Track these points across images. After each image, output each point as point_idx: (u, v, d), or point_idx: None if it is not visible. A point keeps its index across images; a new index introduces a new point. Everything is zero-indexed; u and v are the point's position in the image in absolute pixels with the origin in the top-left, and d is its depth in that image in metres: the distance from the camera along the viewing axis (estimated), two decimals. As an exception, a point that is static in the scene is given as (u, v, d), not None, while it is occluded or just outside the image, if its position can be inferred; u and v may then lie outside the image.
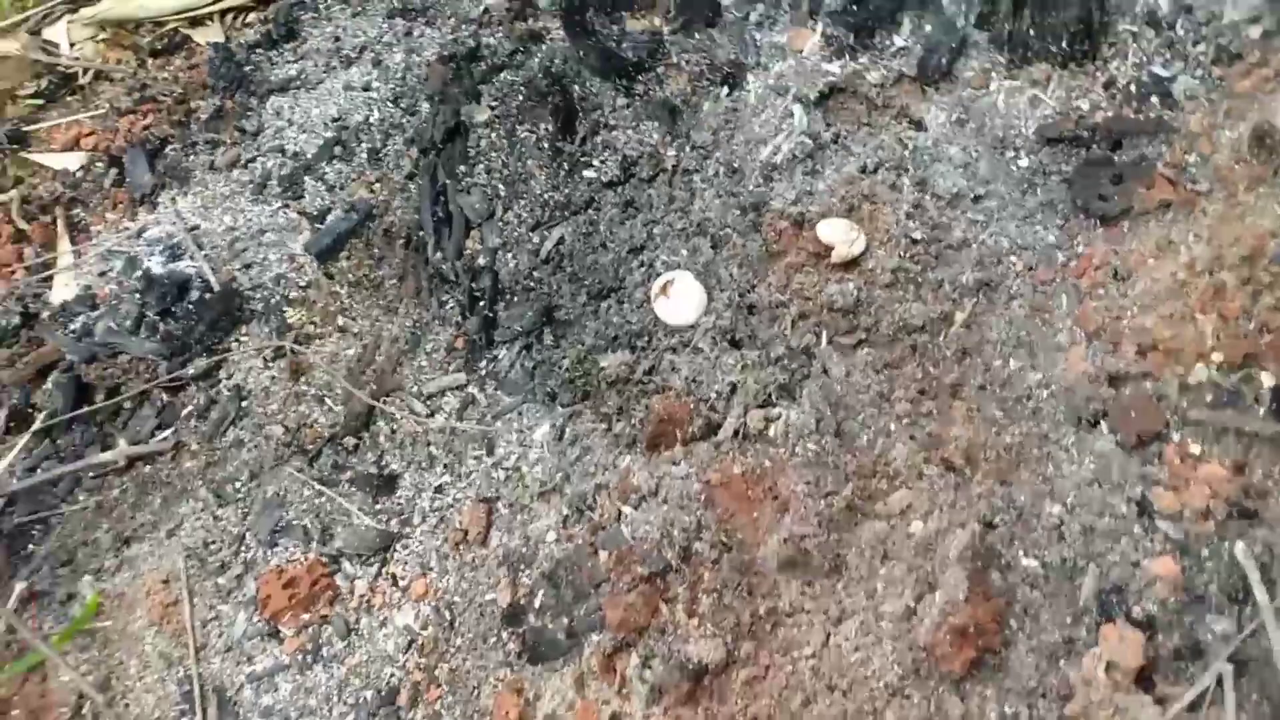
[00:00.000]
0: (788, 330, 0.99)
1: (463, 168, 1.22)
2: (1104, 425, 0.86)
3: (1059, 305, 0.98)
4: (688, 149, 1.15)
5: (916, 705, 0.75)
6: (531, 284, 1.11)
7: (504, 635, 0.85)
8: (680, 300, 1.01)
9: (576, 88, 1.23)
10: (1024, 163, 1.08)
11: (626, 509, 0.90)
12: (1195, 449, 0.82)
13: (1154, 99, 1.02)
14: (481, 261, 1.15)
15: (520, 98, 1.26)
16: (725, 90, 1.18)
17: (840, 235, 1.00)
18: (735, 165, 1.12)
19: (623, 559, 0.87)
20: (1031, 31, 1.10)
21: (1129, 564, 0.77)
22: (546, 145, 1.20)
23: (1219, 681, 0.71)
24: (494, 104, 1.27)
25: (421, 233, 1.19)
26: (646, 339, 1.02)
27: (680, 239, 1.09)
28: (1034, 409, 0.89)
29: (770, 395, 0.95)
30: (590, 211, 1.15)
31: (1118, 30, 1.09)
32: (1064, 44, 1.09)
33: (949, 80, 1.15)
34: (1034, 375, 0.92)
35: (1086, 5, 1.07)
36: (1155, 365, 0.87)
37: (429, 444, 1.02)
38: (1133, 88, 1.04)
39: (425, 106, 1.29)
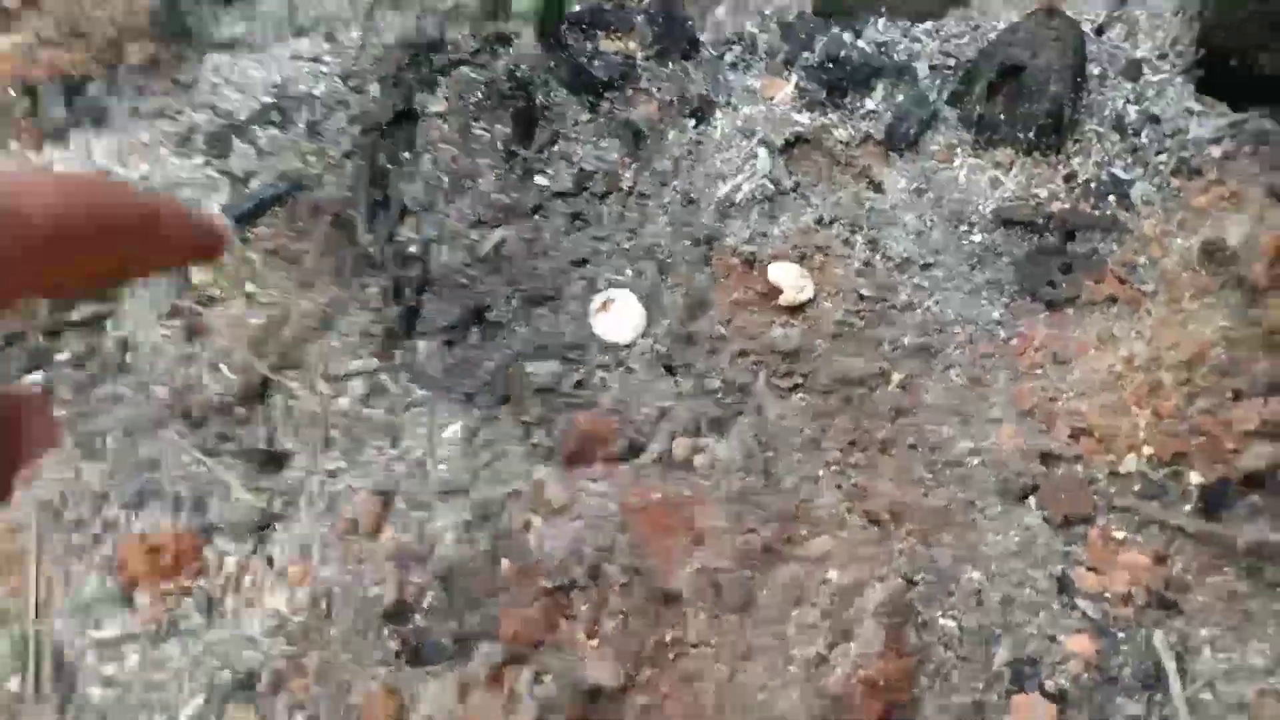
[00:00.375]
0: (725, 365, 1.04)
1: (407, 154, 1.24)
2: (1032, 501, 0.93)
3: (995, 380, 1.05)
4: (646, 173, 1.21)
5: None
6: (464, 281, 1.14)
7: (385, 633, 0.85)
8: (620, 318, 1.05)
9: (540, 96, 1.28)
10: (977, 239, 1.16)
11: (536, 520, 0.91)
12: (1119, 534, 0.89)
13: (1111, 198, 1.13)
14: (413, 250, 1.17)
15: (479, 95, 1.30)
16: (692, 123, 1.25)
17: (791, 280, 1.06)
18: (692, 196, 1.17)
19: (526, 571, 0.88)
20: (1002, 116, 1.21)
21: (1045, 637, 0.83)
22: (500, 147, 1.24)
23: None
24: (450, 97, 1.30)
25: (352, 212, 1.20)
26: (579, 352, 1.05)
27: (626, 259, 1.13)
28: (963, 476, 0.95)
29: (700, 426, 0.99)
30: (537, 218, 1.18)
31: (1085, 129, 1.21)
32: (1031, 133, 1.19)
33: (914, 150, 1.24)
34: (965, 443, 0.98)
35: (1059, 101, 1.19)
36: (1087, 450, 0.95)
37: (329, 426, 1.02)
38: (1092, 184, 1.14)
39: (375, 88, 1.32)
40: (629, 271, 1.12)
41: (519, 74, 1.30)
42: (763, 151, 1.22)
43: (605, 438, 0.98)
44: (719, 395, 1.00)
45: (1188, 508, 0.89)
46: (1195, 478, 0.91)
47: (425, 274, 1.14)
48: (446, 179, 1.23)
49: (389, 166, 1.24)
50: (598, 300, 1.06)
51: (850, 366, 1.04)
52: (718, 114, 1.28)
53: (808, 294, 1.06)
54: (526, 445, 0.99)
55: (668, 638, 0.86)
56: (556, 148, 1.24)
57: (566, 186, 1.20)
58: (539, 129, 1.26)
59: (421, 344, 1.09)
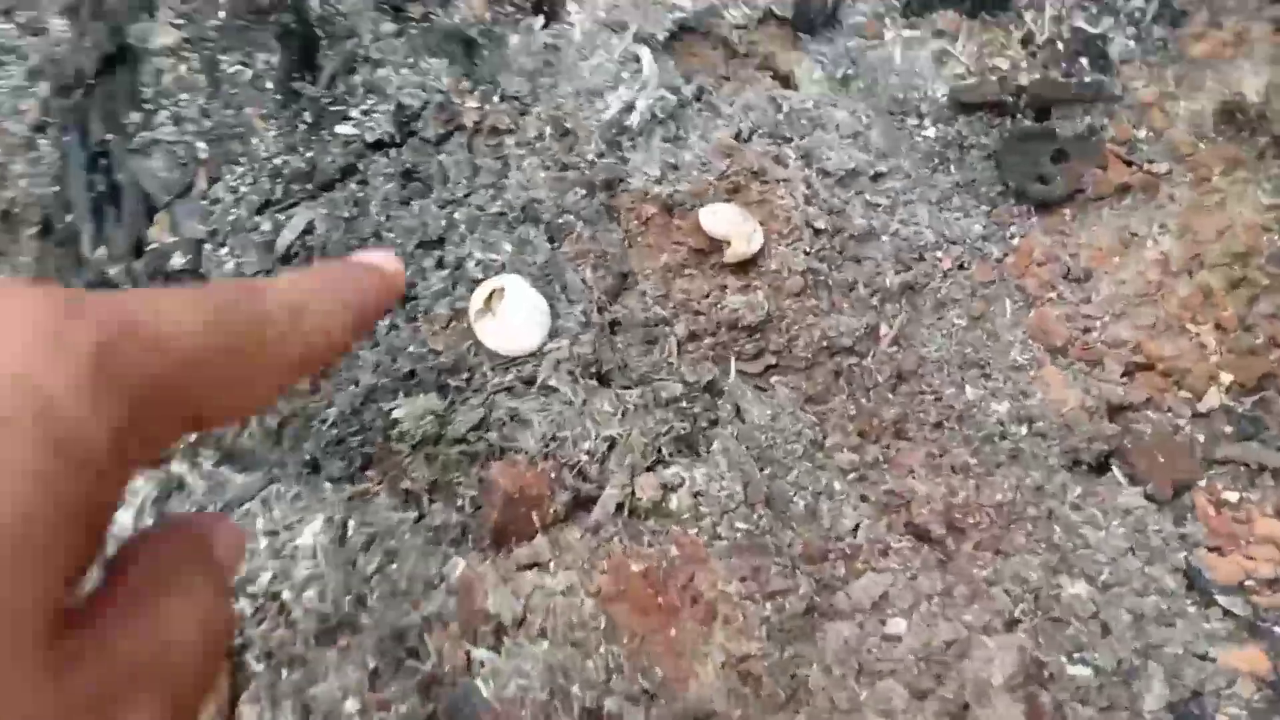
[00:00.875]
0: (676, 359, 0.83)
1: (135, 116, 0.95)
2: (1116, 471, 0.79)
3: (1002, 313, 0.92)
4: (495, 99, 0.97)
5: None
6: None
7: None
8: (513, 317, 0.82)
9: (314, 2, 1.00)
10: (931, 132, 1.03)
11: (479, 653, 0.69)
12: (1231, 495, 0.77)
13: (1084, 60, 1.00)
14: (177, 262, 0.88)
15: (223, 14, 1.00)
16: (539, 21, 1.02)
17: (733, 226, 0.87)
18: (566, 126, 0.95)
19: None
20: (930, -30, 1.05)
21: (1194, 657, 0.70)
22: (272, 86, 0.97)
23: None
24: (179, 22, 0.99)
25: (69, 216, 0.90)
26: (465, 376, 0.82)
27: (499, 228, 0.90)
28: (1013, 451, 0.82)
29: (663, 452, 0.79)
30: (351, 185, 0.93)
31: (1028, -25, 1.07)
32: (969, -11, 1.04)
33: (831, 26, 1.07)
34: (1000, 406, 0.85)
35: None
36: (1154, 390, 0.83)
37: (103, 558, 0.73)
38: (1059, 45, 1.01)
39: (60, 23, 0.99)
40: (506, 246, 0.88)
41: (272, -24, 1.01)
42: (645, 52, 1.00)
43: (538, 496, 0.76)
44: (680, 404, 0.80)
45: (1298, 443, 0.80)
46: (1289, 404, 0.81)
47: (202, 293, 0.86)
48: (204, 147, 0.94)
49: (109, 138, 0.93)
50: (478, 296, 0.82)
51: (831, 329, 0.87)
52: (570, 4, 1.04)
53: (757, 241, 0.87)
54: (423, 531, 0.75)
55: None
56: (357, 78, 0.97)
57: (385, 132, 0.94)
58: (323, 53, 0.99)
59: None
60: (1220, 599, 0.74)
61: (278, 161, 0.93)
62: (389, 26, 1.00)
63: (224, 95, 0.96)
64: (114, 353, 0.34)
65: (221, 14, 1.01)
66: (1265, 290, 0.86)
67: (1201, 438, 0.82)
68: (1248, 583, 0.75)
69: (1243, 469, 0.80)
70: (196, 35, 0.99)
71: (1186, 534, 0.77)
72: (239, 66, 0.98)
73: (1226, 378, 0.83)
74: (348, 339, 0.43)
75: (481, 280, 0.85)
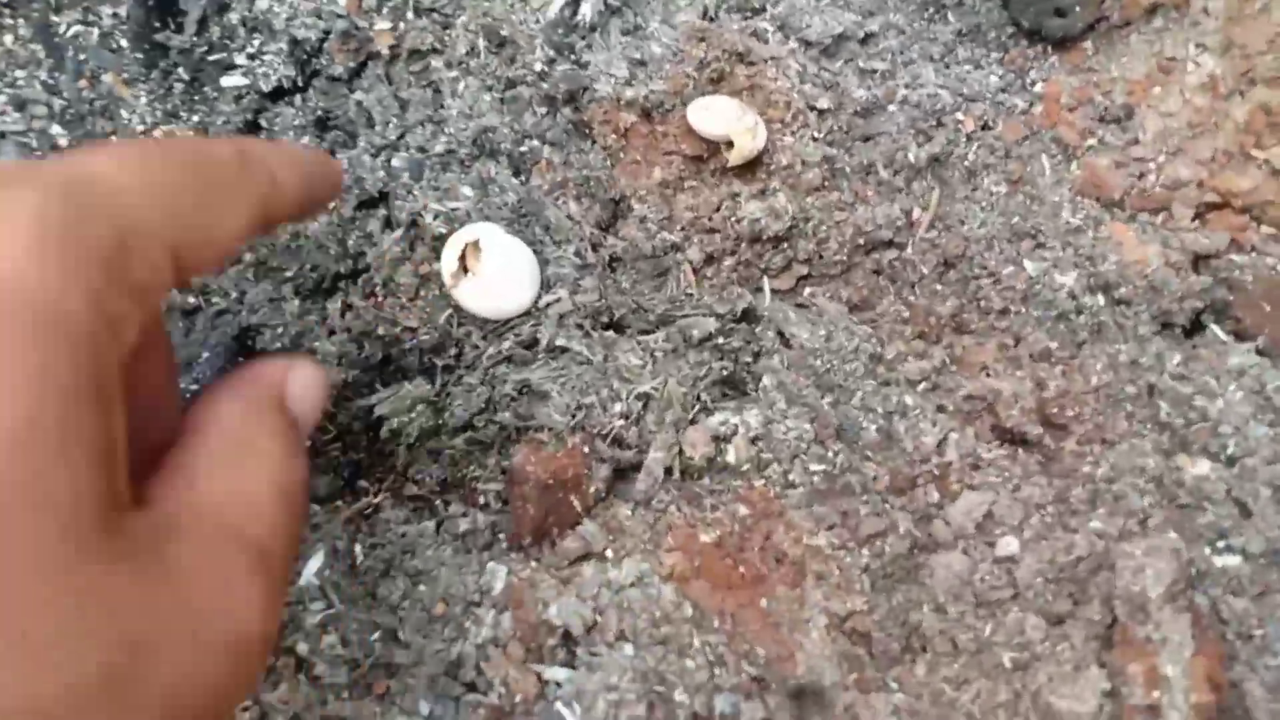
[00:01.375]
0: (695, 289, 0.80)
1: None
2: (1216, 329, 0.79)
3: (1044, 172, 0.91)
4: (409, 15, 0.91)
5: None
6: (187, 298, 0.82)
7: None
8: (497, 272, 0.77)
9: (159, -66, 0.92)
10: (916, -23, 0.98)
11: (553, 672, 0.65)
12: (1342, 337, 0.77)
13: None
14: None
15: (45, -36, 0.92)
16: (440, -88, 0.95)
17: (730, 122, 0.84)
18: (502, 33, 0.90)
19: None
20: None
21: None
22: (130, 43, 0.90)
23: None
24: (-9, -18, 0.91)
25: None
26: (453, 352, 0.78)
27: (451, 169, 0.86)
28: (1095, 325, 0.81)
29: (707, 399, 0.76)
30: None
31: None
32: None
33: None
34: (1066, 277, 0.84)
35: None
36: (1234, 229, 0.82)
37: None
38: None
39: None
40: (466, 190, 0.84)
41: (98, -92, 0.92)
42: (576, -70, 0.94)
43: (575, 477, 0.73)
44: (715, 341, 0.77)
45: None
46: (1378, 225, 0.82)
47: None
48: (58, 129, 0.86)
49: (-66, 135, 0.85)
50: (447, 258, 0.77)
51: (863, 223, 0.84)
52: (471, -111, 0.98)
53: (761, 136, 0.84)
54: (447, 539, 0.71)
55: (848, 758, 0.65)
56: (233, 16, 0.90)
57: (283, 76, 0.88)
58: (184, -7, 0.91)
59: None
60: (1373, 460, 0.74)
61: (159, 133, 0.86)
62: (259, -53, 0.93)
63: (71, 65, 0.89)
64: (64, 213, 0.37)
65: (44, -39, 0.93)
66: (1332, 97, 0.86)
67: (1295, 278, 0.83)
68: None
69: (1351, 307, 0.81)
70: (19, -6, 0.91)
71: (1311, 389, 0.78)
72: (80, 27, 0.90)
73: (1310, 202, 0.84)
74: (297, 192, 0.50)
75: (447, 235, 0.80)
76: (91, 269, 0.38)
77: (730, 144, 0.84)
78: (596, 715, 0.65)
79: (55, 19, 0.91)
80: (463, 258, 0.78)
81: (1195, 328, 0.83)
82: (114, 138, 0.87)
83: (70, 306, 0.36)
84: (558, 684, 0.67)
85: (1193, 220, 0.86)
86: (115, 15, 0.91)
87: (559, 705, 0.65)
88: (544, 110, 0.88)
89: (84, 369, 0.37)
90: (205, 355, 0.80)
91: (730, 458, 0.76)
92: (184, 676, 0.41)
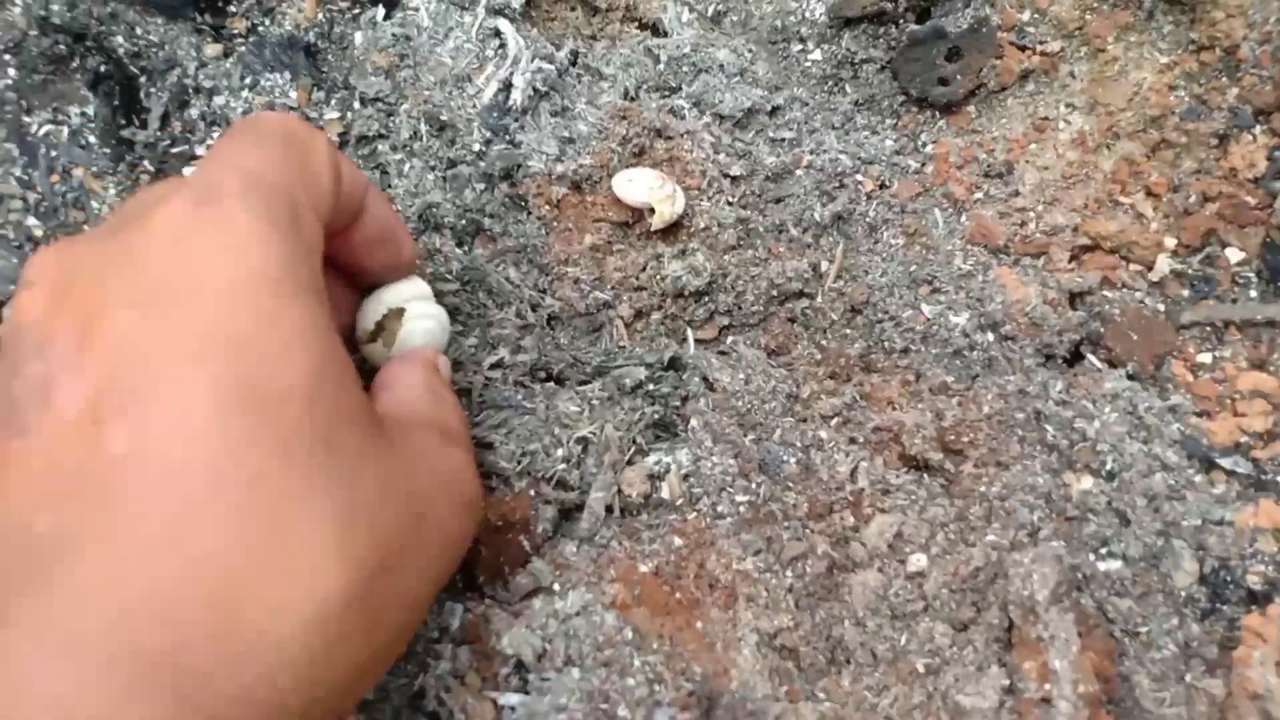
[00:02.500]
0: (624, 341, 0.85)
1: None
2: (1092, 358, 0.85)
3: (936, 224, 0.97)
4: (355, 105, 0.96)
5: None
6: None
7: None
8: (411, 341, 0.78)
9: (121, 39, 0.97)
10: (817, 55, 1.06)
11: (508, 698, 0.69)
12: (1205, 357, 0.84)
13: (949, -51, 1.05)
14: None
15: (14, 72, 0.96)
16: (380, 11, 1.01)
17: (652, 191, 0.89)
18: (442, 119, 0.95)
19: None
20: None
21: (1213, 524, 0.76)
22: (98, 139, 0.94)
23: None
24: (-36, 89, 0.95)
25: None
26: (407, 410, 0.81)
27: None
28: (987, 360, 0.87)
29: (641, 442, 0.81)
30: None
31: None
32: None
33: (687, -37, 1.09)
34: (960, 318, 0.90)
35: None
36: (1105, 269, 0.89)
37: None
38: (924, -59, 1.06)
39: None
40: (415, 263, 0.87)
41: (64, 18, 0.97)
42: (505, 25, 1.00)
43: (523, 519, 0.77)
44: (646, 387, 0.82)
45: (1254, 293, 0.87)
46: (1234, 254, 0.90)
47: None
48: (33, 221, 0.89)
49: (-85, 234, 0.88)
50: (369, 311, 0.78)
51: (776, 276, 0.90)
52: (407, -12, 1.04)
53: (680, 202, 0.90)
54: (409, 582, 0.75)
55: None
56: (194, 111, 0.95)
57: (242, 166, 0.91)
58: (146, 92, 0.95)
59: None
60: (1222, 462, 0.81)
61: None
62: (213, 49, 0.98)
63: (43, 161, 0.92)
64: (271, 209, 0.51)
65: (12, 71, 0.96)
66: (1185, 148, 0.93)
67: (1161, 307, 0.89)
68: (1242, 440, 0.82)
69: (1209, 329, 0.87)
70: (-9, 101, 0.94)
71: (1174, 405, 0.84)
72: (50, 126, 0.94)
73: (1170, 242, 0.91)
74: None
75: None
76: (301, 246, 0.51)
77: (652, 210, 0.90)
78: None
79: (27, 119, 0.95)
80: (379, 326, 0.79)
81: (1075, 358, 0.89)
82: (86, 227, 0.91)
83: (305, 274, 0.50)
84: (512, 708, 0.70)
85: (1069, 262, 0.93)
86: (83, 114, 0.95)
87: (515, 728, 0.69)
88: (483, 186, 0.93)
89: (329, 318, 0.51)
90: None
91: (665, 494, 0.80)
92: (446, 534, 0.59)
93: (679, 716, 0.70)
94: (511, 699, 0.71)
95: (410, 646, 0.74)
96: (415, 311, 0.80)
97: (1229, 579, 0.77)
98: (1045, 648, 0.70)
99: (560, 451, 0.81)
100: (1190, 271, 0.91)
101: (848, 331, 0.92)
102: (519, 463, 0.80)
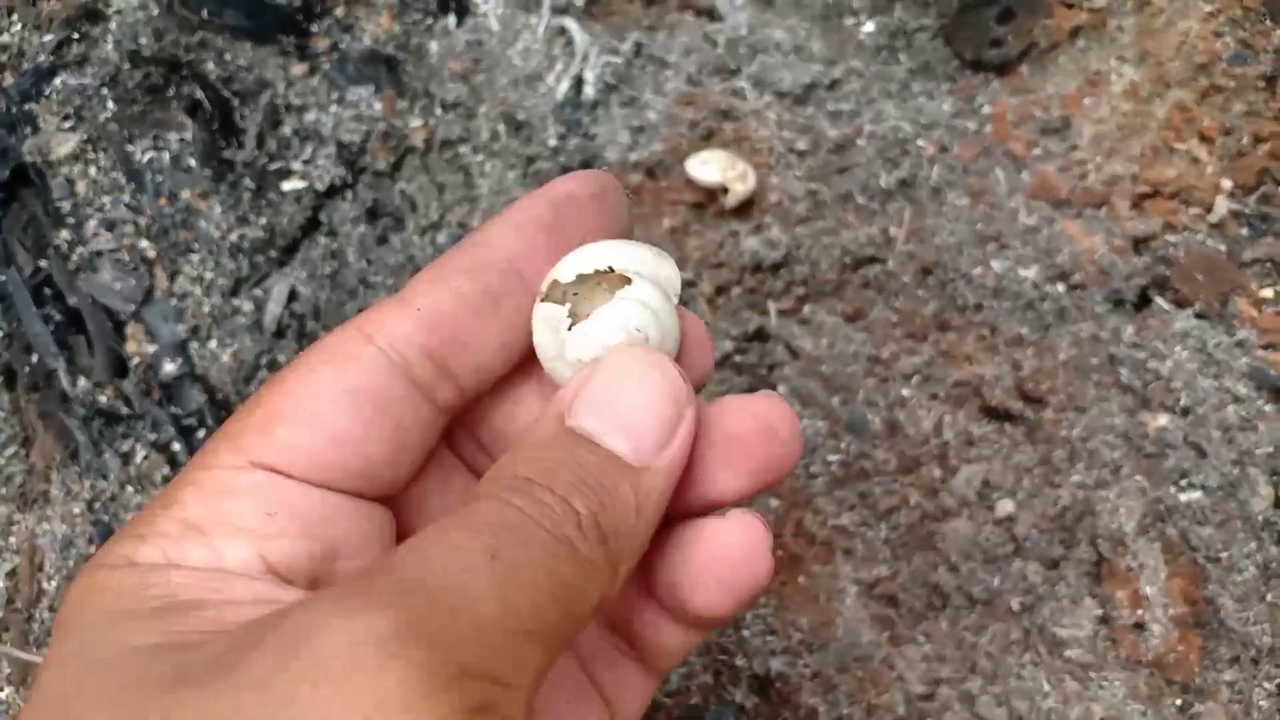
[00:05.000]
0: (708, 316, 0.89)
1: (64, 234, 0.96)
2: (1161, 301, 0.88)
3: (999, 183, 1.00)
4: (437, 111, 1.01)
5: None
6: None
7: None
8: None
9: (212, 64, 1.02)
10: (870, 27, 1.09)
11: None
12: (1267, 292, 0.86)
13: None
14: (170, 369, 0.91)
15: (113, 105, 1.01)
16: (452, 20, 1.05)
17: (724, 171, 0.93)
18: (519, 119, 1.00)
19: None
20: None
21: None
22: (198, 161, 0.99)
23: None
24: (71, 123, 1.01)
25: (33, 357, 0.91)
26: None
27: None
28: (1058, 310, 0.90)
29: (730, 411, 0.85)
30: (322, 239, 0.96)
31: None
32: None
33: (737, -53, 1.12)
34: (1029, 271, 0.93)
35: None
36: (1166, 214, 0.92)
37: None
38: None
39: (-56, 156, 1.00)
40: (503, 254, 0.92)
41: (154, 50, 1.02)
42: (570, 23, 1.05)
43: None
44: (733, 359, 0.86)
45: (1308, 228, 0.90)
46: (1290, 190, 0.91)
47: (212, 394, 0.89)
48: (146, 243, 0.95)
49: (44, 265, 0.94)
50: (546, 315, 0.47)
51: (847, 244, 0.93)
52: (475, -5, 1.09)
53: (751, 180, 0.94)
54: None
55: (894, 708, 0.74)
56: (286, 128, 1.00)
57: (336, 176, 0.98)
58: (240, 112, 1.01)
59: None
60: (1292, 391, 0.84)
61: (234, 237, 0.96)
62: (299, 68, 1.03)
63: (150, 185, 0.98)
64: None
65: (111, 105, 1.02)
66: (1234, 92, 0.95)
67: (1222, 247, 0.92)
68: (1309, 367, 0.85)
69: (1269, 265, 0.90)
70: (94, 134, 1.01)
71: (1241, 340, 0.87)
72: (153, 153, 1.00)
73: (1227, 183, 0.93)
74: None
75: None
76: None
77: (725, 190, 0.94)
78: (671, 685, 0.74)
79: (130, 148, 1.01)
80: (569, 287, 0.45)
81: (1143, 302, 0.91)
82: (195, 244, 0.97)
83: None
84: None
85: (1130, 209, 0.95)
86: (182, 139, 1.01)
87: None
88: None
89: None
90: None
91: (757, 460, 0.85)
92: None
93: (792, 665, 0.75)
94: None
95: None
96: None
97: (1304, 503, 0.80)
98: (1136, 576, 0.73)
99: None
100: (1247, 211, 0.93)
101: (920, 292, 0.95)
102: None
